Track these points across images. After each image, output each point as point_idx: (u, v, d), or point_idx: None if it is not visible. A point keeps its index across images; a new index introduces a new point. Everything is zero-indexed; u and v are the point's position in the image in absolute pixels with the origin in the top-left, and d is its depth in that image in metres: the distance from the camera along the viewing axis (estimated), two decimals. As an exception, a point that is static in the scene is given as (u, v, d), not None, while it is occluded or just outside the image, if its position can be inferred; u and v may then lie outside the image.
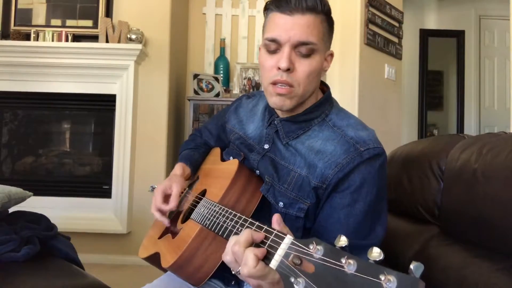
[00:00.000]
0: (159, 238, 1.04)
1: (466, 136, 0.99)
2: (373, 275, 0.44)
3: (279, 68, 0.83)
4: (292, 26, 0.81)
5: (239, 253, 0.63)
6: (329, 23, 0.87)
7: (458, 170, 0.88)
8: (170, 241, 0.97)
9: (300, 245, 0.55)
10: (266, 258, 0.60)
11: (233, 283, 0.94)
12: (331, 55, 0.91)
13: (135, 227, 2.75)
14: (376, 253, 0.46)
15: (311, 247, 0.53)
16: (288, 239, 0.58)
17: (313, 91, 0.89)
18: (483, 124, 4.56)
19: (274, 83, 0.84)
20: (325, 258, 0.50)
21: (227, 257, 0.66)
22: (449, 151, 0.95)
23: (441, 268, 0.84)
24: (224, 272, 0.91)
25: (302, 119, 0.90)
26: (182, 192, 1.09)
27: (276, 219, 0.67)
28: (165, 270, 1.01)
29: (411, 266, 0.43)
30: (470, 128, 4.52)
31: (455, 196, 0.88)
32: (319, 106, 0.91)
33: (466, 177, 0.84)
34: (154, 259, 0.99)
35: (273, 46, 0.84)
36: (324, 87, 0.97)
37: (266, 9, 0.88)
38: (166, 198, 1.02)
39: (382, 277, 0.43)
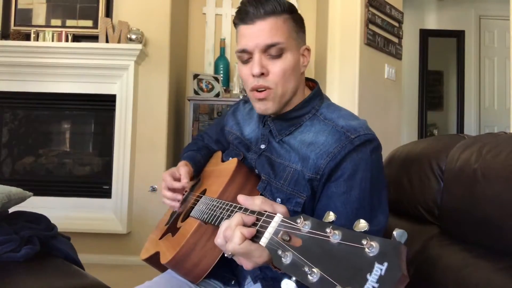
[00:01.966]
0: (160, 239, 1.05)
1: (466, 136, 0.99)
2: (356, 242, 0.45)
3: (253, 75, 0.86)
4: (257, 32, 0.85)
5: (229, 236, 0.64)
6: (295, 20, 0.89)
7: (458, 170, 0.88)
8: (170, 239, 0.98)
9: (288, 221, 0.57)
10: (257, 237, 0.61)
11: (233, 282, 0.94)
12: (308, 49, 0.93)
13: (135, 227, 2.75)
14: (362, 223, 0.47)
15: (298, 221, 0.55)
16: (278, 217, 0.60)
17: (295, 89, 0.91)
18: (483, 124, 4.56)
19: (253, 90, 0.88)
20: (311, 231, 0.52)
21: (218, 240, 0.68)
22: (449, 151, 0.95)
23: (441, 268, 0.84)
24: (223, 272, 0.92)
25: (293, 116, 0.92)
26: (184, 192, 1.09)
27: (241, 199, 0.69)
28: (164, 271, 1.02)
29: (394, 233, 0.43)
30: (470, 128, 4.52)
31: (455, 196, 0.88)
32: (309, 101, 0.92)
33: (466, 177, 0.84)
34: (155, 259, 0.99)
35: (245, 56, 0.88)
36: (313, 84, 0.98)
37: (235, 24, 0.92)
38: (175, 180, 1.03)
39: (364, 242, 0.44)
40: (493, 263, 0.74)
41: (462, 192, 0.85)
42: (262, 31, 0.85)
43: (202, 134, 1.28)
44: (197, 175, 1.16)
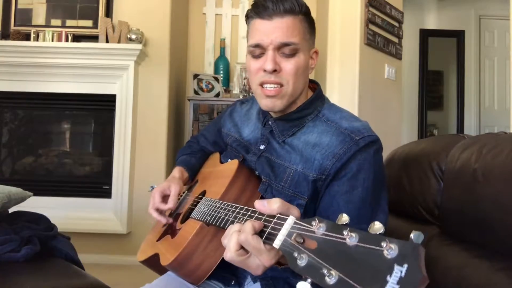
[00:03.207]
0: (158, 240, 1.05)
1: (466, 136, 0.99)
2: (375, 244, 0.45)
3: (265, 70, 0.85)
4: (273, 29, 0.84)
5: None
6: (309, 22, 0.90)
7: (458, 170, 0.88)
8: (169, 241, 0.97)
9: (302, 223, 0.56)
10: (269, 239, 0.60)
11: (233, 283, 0.94)
12: (316, 52, 0.93)
13: (135, 227, 2.75)
14: (377, 225, 0.47)
15: (313, 224, 0.54)
16: (291, 219, 0.59)
17: (302, 89, 0.91)
18: (483, 124, 4.56)
19: (262, 84, 0.87)
20: (327, 233, 0.51)
21: (224, 241, 0.67)
22: (449, 151, 0.95)
23: (441, 268, 0.84)
24: (223, 272, 0.92)
25: (295, 117, 0.92)
26: (180, 195, 1.09)
27: (257, 205, 0.65)
28: (162, 273, 1.02)
29: (412, 235, 0.43)
30: (470, 128, 4.52)
31: (455, 196, 0.88)
32: (311, 103, 0.93)
33: (466, 177, 0.84)
34: (153, 261, 0.99)
35: (257, 51, 0.87)
36: (314, 85, 0.99)
37: (247, 17, 0.91)
38: (165, 198, 1.04)
39: (384, 244, 0.44)
40: (493, 263, 0.74)
41: (462, 192, 0.85)
42: (279, 28, 0.84)
43: (197, 136, 1.28)
44: (192, 179, 1.17)
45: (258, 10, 0.86)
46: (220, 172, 1.01)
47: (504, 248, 0.74)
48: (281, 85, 0.86)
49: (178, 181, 1.07)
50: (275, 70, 0.85)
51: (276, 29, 0.84)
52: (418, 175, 1.02)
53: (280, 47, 0.85)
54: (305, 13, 0.88)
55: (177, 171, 1.12)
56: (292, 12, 0.85)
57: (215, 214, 0.82)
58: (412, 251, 0.42)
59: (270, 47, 0.85)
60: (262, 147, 0.96)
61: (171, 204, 1.01)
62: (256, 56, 0.88)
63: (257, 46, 0.86)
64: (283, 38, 0.84)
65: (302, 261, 0.52)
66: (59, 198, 2.75)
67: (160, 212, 1.03)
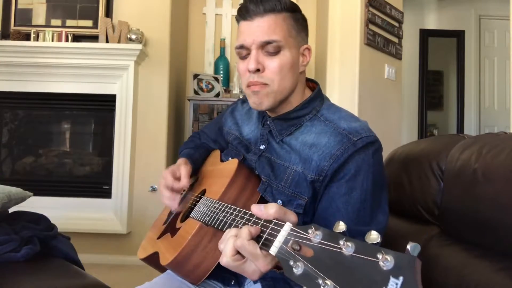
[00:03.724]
0: (158, 238, 1.04)
1: (466, 136, 0.99)
2: (371, 255, 0.45)
3: (249, 71, 0.87)
4: (255, 29, 0.86)
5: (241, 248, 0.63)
6: (295, 19, 0.90)
7: (458, 170, 0.88)
8: (169, 240, 0.97)
9: (299, 231, 0.56)
10: (266, 245, 0.60)
11: (232, 282, 0.94)
12: (308, 49, 0.93)
13: (135, 227, 2.75)
14: (374, 235, 0.47)
15: (309, 231, 0.53)
16: (288, 226, 0.58)
17: (293, 87, 0.91)
18: (483, 124, 4.56)
19: (249, 85, 0.89)
20: (323, 242, 0.51)
21: (221, 246, 0.67)
22: (449, 151, 0.95)
23: (441, 268, 0.84)
24: (223, 272, 0.91)
25: (293, 116, 0.92)
26: (181, 193, 1.09)
27: (254, 209, 0.65)
28: (163, 271, 1.02)
29: (408, 246, 0.43)
30: (470, 128, 4.52)
31: (455, 196, 0.88)
32: (309, 102, 0.92)
33: (466, 177, 0.84)
34: (153, 259, 0.99)
35: (243, 52, 0.89)
36: (314, 84, 0.98)
37: (236, 20, 0.92)
38: (175, 179, 1.02)
39: (380, 256, 0.44)
40: (493, 263, 0.74)
41: (462, 192, 0.85)
42: (260, 27, 0.85)
43: (199, 132, 1.27)
44: (194, 174, 1.16)
45: (241, 13, 0.88)
46: (220, 171, 1.01)
47: (504, 248, 0.74)
48: (266, 84, 0.87)
49: (186, 162, 1.06)
50: (258, 70, 0.86)
51: (257, 28, 0.85)
52: (418, 175, 1.02)
53: (263, 46, 0.86)
54: (290, 10, 0.88)
55: (182, 162, 1.10)
56: (273, 11, 0.86)
57: (214, 215, 0.82)
58: (408, 263, 0.42)
59: (253, 47, 0.86)
60: (262, 147, 0.96)
61: (184, 181, 0.99)
62: (243, 58, 0.89)
63: (242, 47, 0.88)
64: (264, 37, 0.85)
65: (298, 270, 0.51)
66: (59, 198, 2.75)
67: (174, 190, 1.01)
